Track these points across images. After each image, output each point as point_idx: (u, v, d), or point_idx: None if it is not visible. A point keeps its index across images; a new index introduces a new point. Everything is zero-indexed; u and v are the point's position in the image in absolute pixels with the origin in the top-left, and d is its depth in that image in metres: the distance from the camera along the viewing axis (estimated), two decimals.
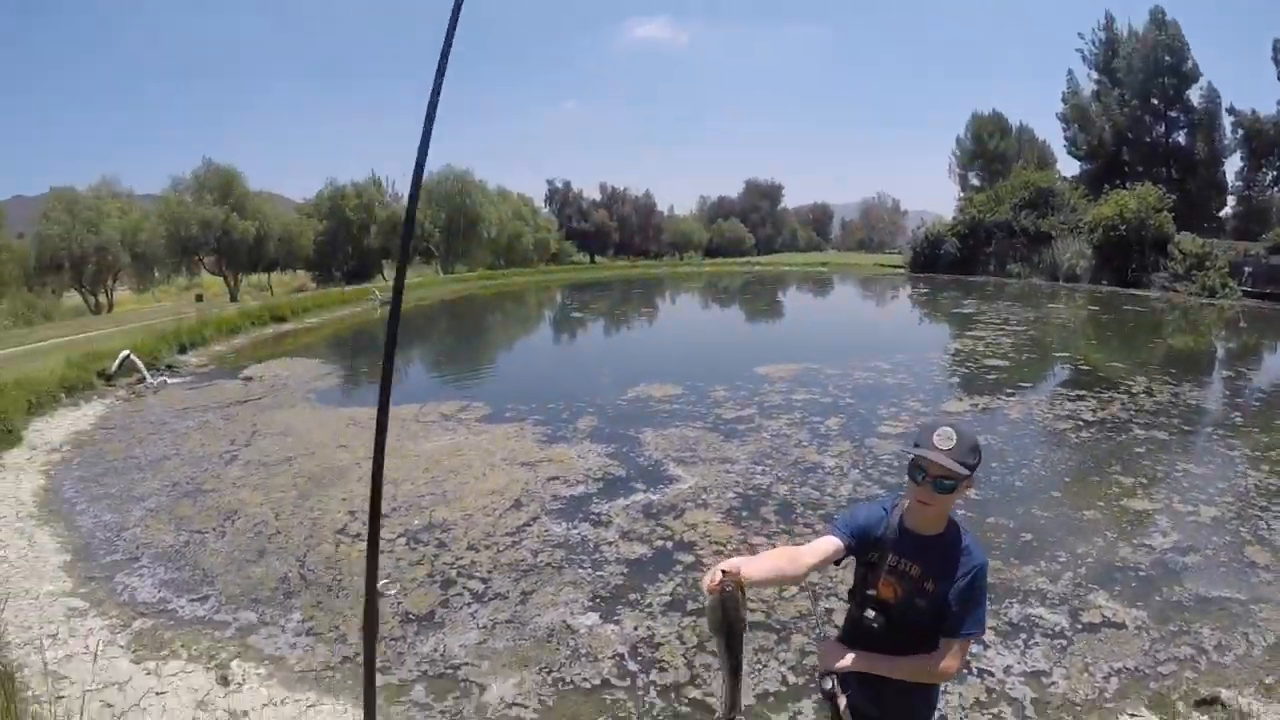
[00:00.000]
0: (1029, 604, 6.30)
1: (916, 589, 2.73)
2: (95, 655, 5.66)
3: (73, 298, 44.61)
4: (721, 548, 7.57)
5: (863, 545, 2.81)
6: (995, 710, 4.97)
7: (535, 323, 30.38)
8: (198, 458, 10.38)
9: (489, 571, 7.12)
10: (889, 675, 2.78)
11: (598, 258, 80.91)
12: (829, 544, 2.75)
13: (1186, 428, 11.65)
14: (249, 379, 15.61)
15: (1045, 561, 7.05)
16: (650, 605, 6.54)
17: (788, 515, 8.35)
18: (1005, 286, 34.23)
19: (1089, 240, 35.19)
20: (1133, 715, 5.14)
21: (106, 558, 7.47)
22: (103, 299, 43.27)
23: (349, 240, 54.42)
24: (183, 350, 18.36)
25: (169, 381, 15.39)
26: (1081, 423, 11.78)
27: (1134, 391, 13.51)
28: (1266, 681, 5.37)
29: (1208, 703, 5.13)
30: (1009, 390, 14.12)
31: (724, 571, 2.22)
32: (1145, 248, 32.15)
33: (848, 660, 2.82)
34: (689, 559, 7.38)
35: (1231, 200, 52.28)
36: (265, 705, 5.30)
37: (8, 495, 8.88)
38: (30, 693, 5.13)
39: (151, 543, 7.76)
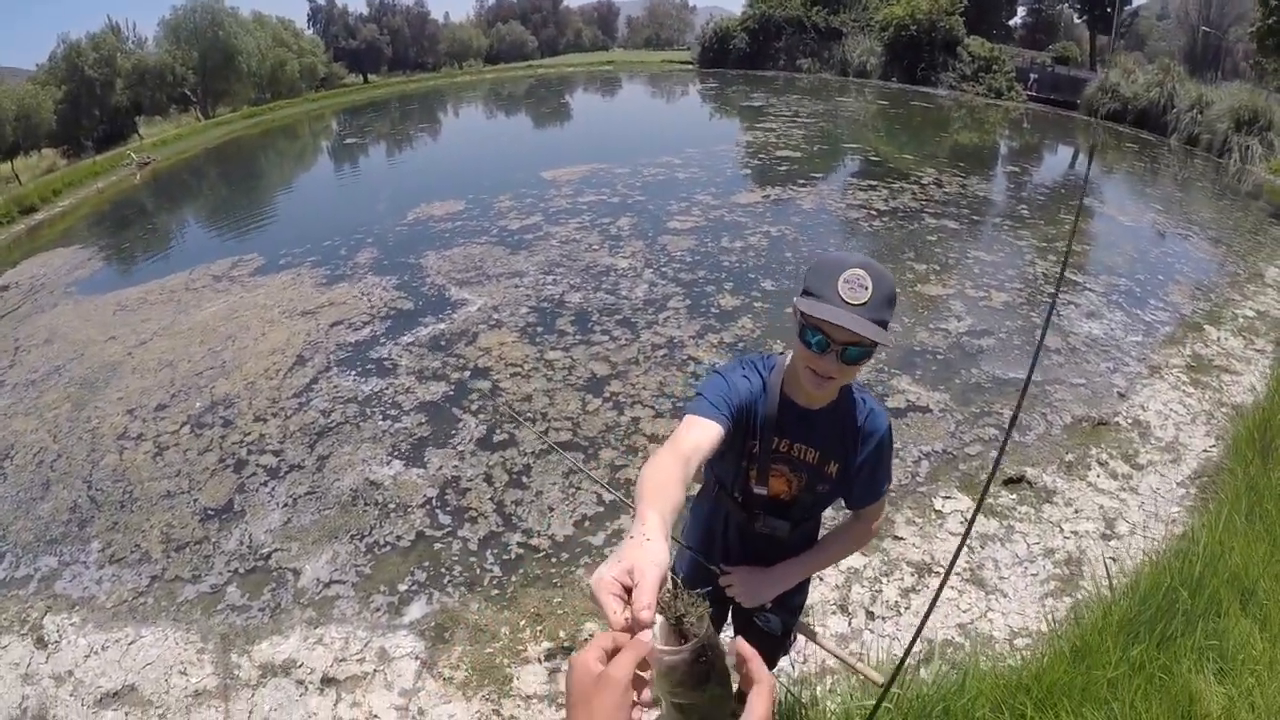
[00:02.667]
0: None
1: (817, 476, 2.08)
2: None
3: None
4: (518, 369, 7.14)
5: (739, 428, 1.96)
6: None
7: (309, 157, 27.45)
8: None
9: (281, 442, 6.46)
10: (814, 573, 2.32)
11: (371, 77, 72.43)
12: (710, 434, 1.80)
13: (975, 218, 11.66)
14: (4, 289, 13.40)
15: None
16: (455, 445, 6.15)
17: (584, 324, 7.97)
18: (795, 81, 33.18)
19: (880, 39, 34.13)
20: (946, 497, 5.19)
21: None
22: None
23: (94, 102, 46.37)
24: None
25: None
26: (874, 212, 11.63)
27: (924, 183, 13.39)
28: (1066, 459, 5.53)
29: (1014, 482, 5.26)
30: (801, 181, 13.75)
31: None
32: (935, 48, 31.41)
33: (770, 587, 2.23)
34: (486, 385, 6.95)
35: (1022, 11, 52.08)
36: (88, 656, 4.70)
37: None
38: None
39: None
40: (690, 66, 46.90)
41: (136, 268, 13.41)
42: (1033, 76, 29.67)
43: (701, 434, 1.80)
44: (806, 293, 1.77)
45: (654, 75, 44.63)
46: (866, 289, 1.69)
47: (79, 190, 23.98)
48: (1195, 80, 22.97)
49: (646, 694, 0.97)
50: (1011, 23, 51.85)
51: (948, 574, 2.03)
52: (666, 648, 0.95)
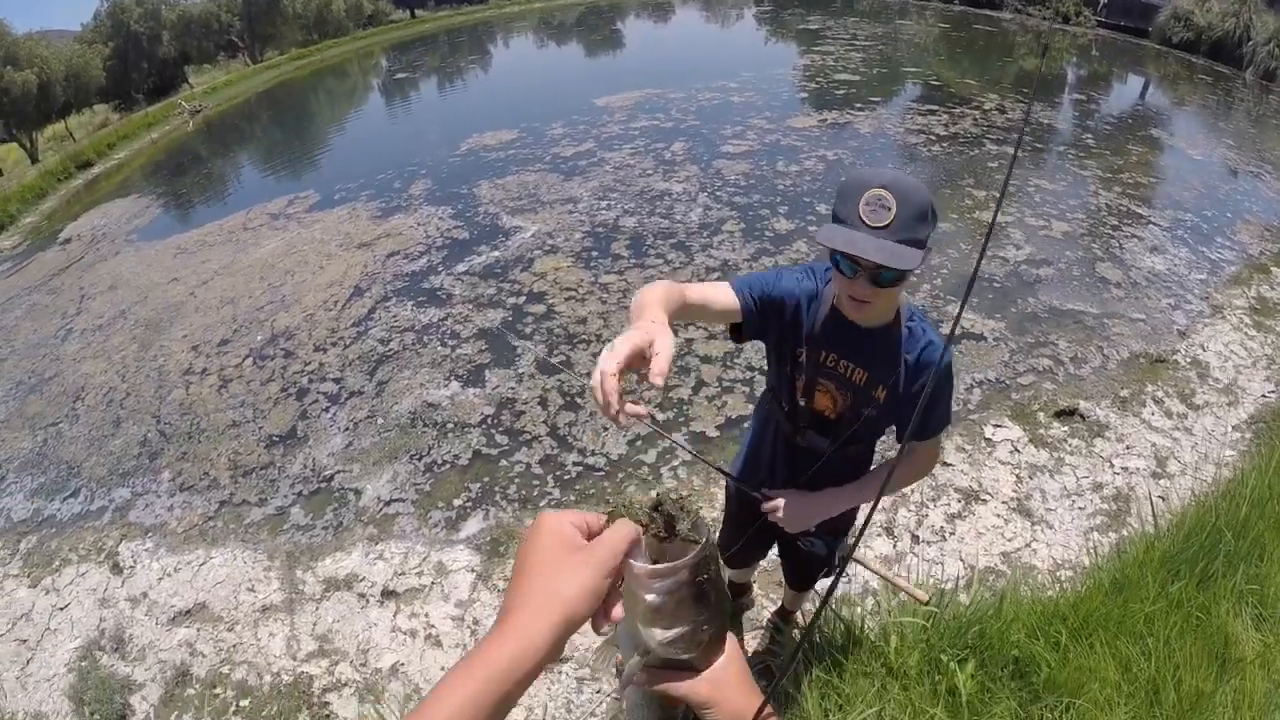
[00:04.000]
0: None
1: (864, 398, 2.03)
2: None
3: None
4: (573, 293, 7.28)
5: (774, 323, 1.99)
6: None
7: (360, 95, 27.82)
8: (33, 346, 9.45)
9: (341, 370, 6.78)
10: (860, 504, 2.26)
11: (418, 11, 72.85)
12: (721, 298, 1.87)
13: (1039, 145, 11.22)
14: (67, 241, 14.06)
15: None
16: (509, 367, 6.36)
17: (639, 248, 8.06)
18: (854, 3, 32.02)
19: None
20: (997, 426, 5.16)
21: None
22: None
23: (142, 56, 47.86)
24: None
25: None
26: (934, 137, 11.32)
27: (986, 109, 12.92)
28: (1121, 394, 5.42)
29: (1067, 414, 5.20)
30: (859, 105, 13.41)
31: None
32: None
33: (813, 515, 2.21)
34: (540, 309, 7.13)
35: None
36: (161, 579, 5.08)
37: None
38: None
39: (12, 456, 7.12)
40: None
41: (194, 212, 13.96)
42: (1102, 1, 28.15)
43: (714, 293, 1.85)
44: (834, 216, 1.75)
45: (706, 1, 43.76)
46: (889, 209, 1.65)
47: (133, 142, 24.84)
48: (1274, 12, 21.47)
49: (618, 610, 0.82)
50: None
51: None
52: (654, 567, 0.80)
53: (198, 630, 4.62)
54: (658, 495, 0.85)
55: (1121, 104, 15.70)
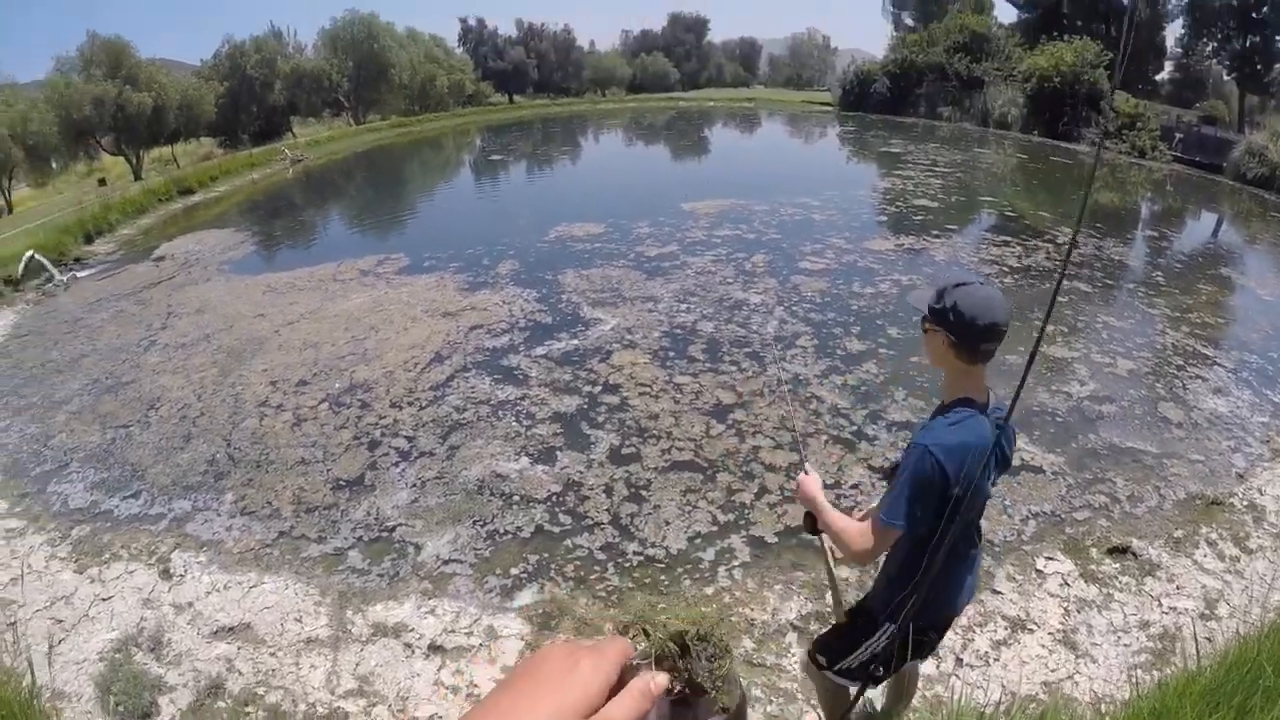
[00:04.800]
0: None
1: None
2: (39, 573, 5.59)
3: None
4: (647, 389, 7.58)
5: None
6: None
7: (453, 169, 29.26)
8: (115, 349, 9.99)
9: (414, 430, 7.11)
10: (826, 525, 2.62)
11: (516, 97, 76.97)
12: None
13: (1109, 282, 11.58)
14: (160, 259, 14.92)
15: None
16: (580, 451, 6.63)
17: (715, 353, 8.38)
18: (935, 129, 33.36)
19: (1022, 89, 34.13)
20: (1049, 558, 5.29)
21: (36, 470, 7.20)
22: (0, 201, 40.67)
23: (253, 99, 51.03)
24: (89, 240, 17.38)
25: (78, 275, 14.62)
26: (1006, 268, 11.71)
27: (1059, 242, 13.36)
28: (1175, 535, 5.52)
29: (1119, 551, 5.28)
30: (935, 232, 13.91)
31: None
32: (1078, 102, 31.10)
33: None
34: (615, 400, 7.43)
35: (1169, 66, 50.82)
36: (209, 593, 5.30)
37: None
38: None
39: (79, 446, 7.52)
40: (830, 108, 47.23)
41: (284, 255, 14.76)
42: (1178, 136, 28.54)
43: None
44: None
45: (793, 115, 45.27)
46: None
47: (234, 179, 26.26)
48: None
49: None
50: (1158, 78, 50.09)
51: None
52: None
53: (238, 648, 4.81)
54: (682, 629, 0.75)
55: (1193, 241, 15.92)
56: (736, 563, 5.22)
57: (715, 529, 5.55)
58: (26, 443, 7.73)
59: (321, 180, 25.99)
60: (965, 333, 2.32)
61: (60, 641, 4.93)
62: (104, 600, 5.31)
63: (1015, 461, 5.88)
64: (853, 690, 3.21)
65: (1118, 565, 5.20)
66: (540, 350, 8.60)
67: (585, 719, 0.63)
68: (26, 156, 40.31)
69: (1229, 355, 8.76)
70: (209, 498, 6.40)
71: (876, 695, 3.86)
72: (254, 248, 15.53)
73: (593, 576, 5.16)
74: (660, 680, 0.70)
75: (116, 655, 4.79)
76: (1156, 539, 5.46)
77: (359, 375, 8.28)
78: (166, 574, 5.52)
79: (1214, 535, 5.55)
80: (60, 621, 5.11)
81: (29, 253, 14.35)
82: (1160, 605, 4.83)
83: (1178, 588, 5.01)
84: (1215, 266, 12.80)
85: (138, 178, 37.51)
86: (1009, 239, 13.42)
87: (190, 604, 5.21)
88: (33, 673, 3.93)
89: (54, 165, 43.83)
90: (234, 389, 8.26)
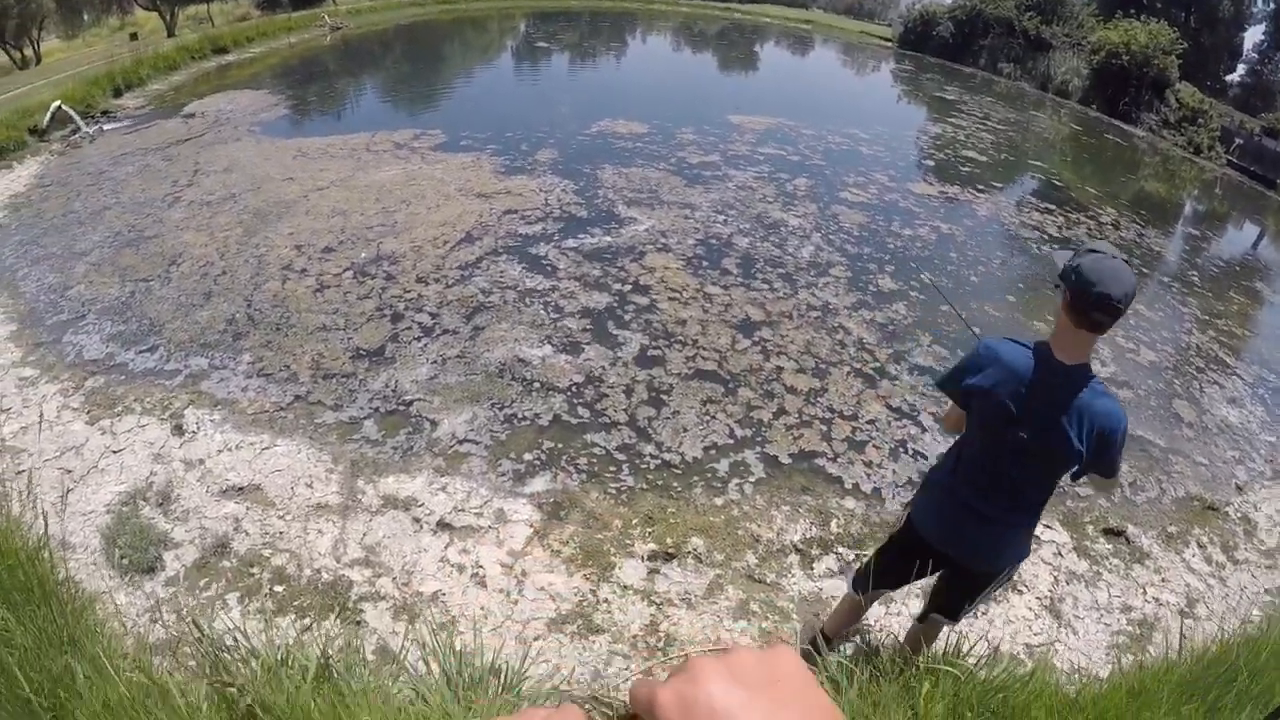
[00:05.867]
0: None
1: None
2: (50, 423, 5.66)
3: None
4: (677, 295, 7.50)
5: None
6: None
7: (495, 51, 28.54)
8: (139, 204, 9.95)
9: (439, 306, 7.10)
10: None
11: None
12: None
13: (1144, 270, 11.22)
14: (190, 116, 14.75)
15: None
16: (605, 346, 6.60)
17: (748, 269, 8.27)
18: (992, 84, 31.95)
19: (1088, 61, 32.65)
20: (1047, 526, 5.34)
21: (52, 319, 7.23)
22: (29, 52, 40.24)
23: None
24: (118, 94, 17.13)
25: (105, 128, 14.48)
26: (1045, 236, 11.39)
27: (1101, 220, 12.92)
28: (1169, 530, 5.61)
29: (1114, 533, 5.44)
30: (980, 186, 13.48)
31: None
32: (1143, 86, 29.77)
33: None
34: (644, 301, 7.37)
35: (1241, 69, 48.59)
36: (220, 451, 5.36)
37: None
38: None
39: (97, 298, 7.54)
40: (888, 44, 45.70)
41: (317, 122, 14.55)
42: (1238, 141, 27.57)
43: None
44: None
45: (849, 44, 43.86)
46: None
47: (270, 41, 25.83)
48: None
49: None
50: (1229, 78, 48.49)
51: None
52: None
53: (247, 509, 4.88)
54: None
55: (1233, 249, 15.54)
56: (749, 478, 5.23)
57: (731, 442, 5.57)
58: (44, 292, 7.77)
59: (359, 50, 25.54)
60: (1078, 295, 2.47)
61: (69, 492, 5.01)
62: (114, 453, 5.38)
63: None
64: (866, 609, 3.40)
65: (1110, 547, 5.33)
66: (572, 243, 8.50)
67: None
68: (58, 8, 39.94)
69: (1249, 369, 8.67)
70: (226, 357, 6.44)
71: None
72: (286, 111, 15.34)
73: (607, 473, 5.18)
74: None
75: (124, 508, 4.87)
76: (1151, 529, 5.59)
77: (386, 247, 8.23)
78: (179, 430, 5.58)
79: (1205, 539, 5.67)
80: (69, 472, 5.19)
81: (56, 103, 14.23)
82: (1145, 593, 4.97)
83: (1163, 580, 5.16)
84: (1251, 279, 12.49)
85: (171, 34, 37.05)
86: (1052, 207, 13.09)
87: (201, 461, 5.27)
88: (44, 522, 3.98)
89: (85, 18, 43.41)
90: (258, 250, 8.24)
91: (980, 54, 39.66)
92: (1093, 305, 2.45)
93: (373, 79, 20.32)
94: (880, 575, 3.31)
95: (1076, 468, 2.75)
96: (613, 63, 26.21)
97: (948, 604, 3.27)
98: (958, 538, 3.02)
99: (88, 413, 5.82)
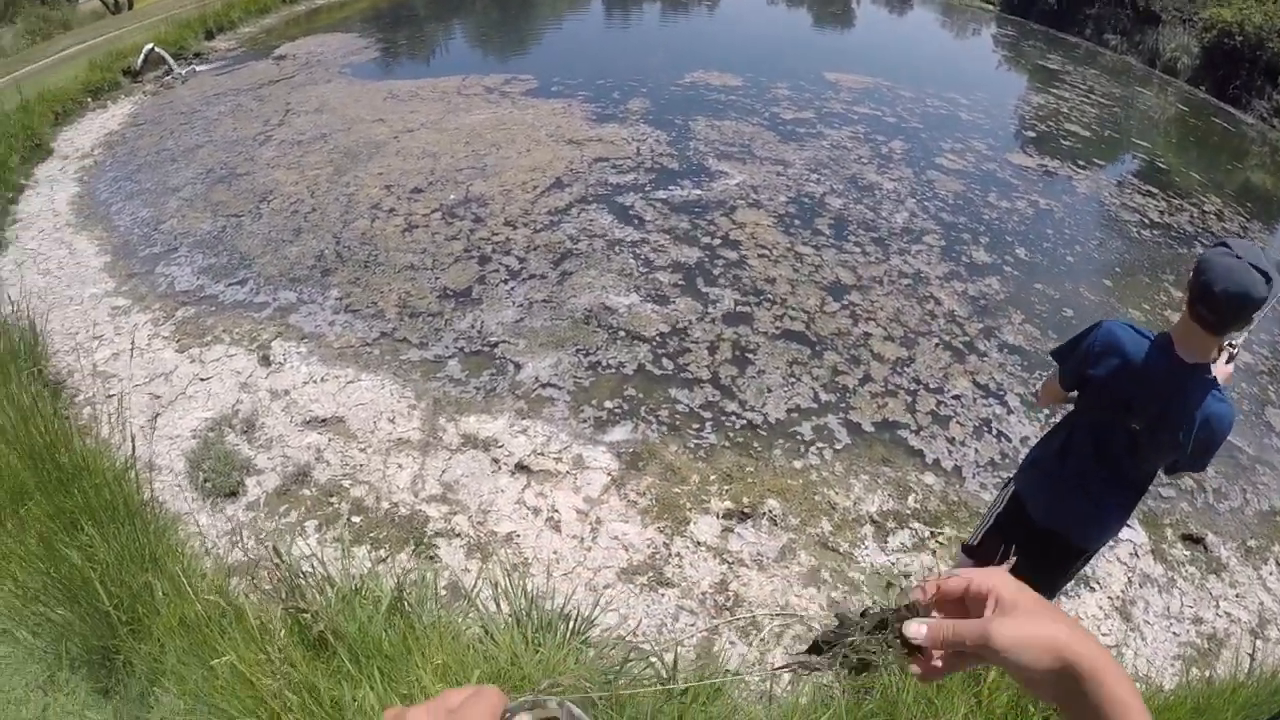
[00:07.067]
0: None
1: None
2: (141, 350, 5.93)
3: (90, 2, 42.94)
4: (767, 253, 7.43)
5: None
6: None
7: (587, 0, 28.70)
8: (230, 142, 10.27)
9: (526, 250, 7.18)
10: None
11: None
12: None
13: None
14: (281, 58, 15.10)
15: None
16: (693, 299, 6.59)
17: (840, 231, 8.10)
18: (1097, 56, 30.36)
19: (1199, 39, 30.98)
20: (1128, 525, 5.12)
21: (145, 251, 7.58)
22: None
23: None
24: (210, 36, 17.63)
25: (197, 69, 14.92)
26: (1146, 220, 10.85)
27: (1204, 209, 12.28)
28: (1249, 544, 5.30)
29: (1193, 540, 5.17)
30: (1081, 162, 12.91)
31: None
32: (1257, 69, 28.10)
33: None
34: (734, 256, 7.32)
35: None
36: (306, 383, 5.54)
37: (43, 209, 8.85)
38: (81, 396, 5.45)
39: (189, 232, 7.84)
40: (989, 7, 44.30)
41: (407, 65, 14.81)
42: None
43: None
44: None
45: (947, 5, 42.60)
46: None
47: None
48: None
49: None
50: None
51: None
52: None
53: (329, 440, 5.03)
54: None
55: None
56: (831, 444, 5.17)
57: (815, 406, 5.51)
58: (138, 226, 8.09)
59: None
60: (1191, 283, 2.50)
61: (157, 416, 5.24)
62: (202, 380, 5.61)
63: None
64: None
65: (1188, 553, 5.12)
66: (662, 194, 8.46)
67: None
68: None
69: None
70: (314, 291, 6.64)
71: None
72: (377, 54, 15.57)
73: (690, 428, 5.19)
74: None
75: (210, 434, 5.08)
76: (1231, 540, 5.31)
77: (475, 189, 8.34)
78: (266, 360, 5.78)
79: None
80: (158, 398, 5.44)
81: (149, 46, 14.69)
82: (1217, 607, 4.76)
83: (1238, 595, 4.94)
84: None
85: None
86: (1154, 190, 12.51)
87: (286, 392, 5.46)
88: (132, 445, 4.16)
89: None
90: (347, 189, 8.44)
91: (1086, 23, 38.04)
92: (1197, 296, 2.46)
93: (462, 24, 20.48)
94: (985, 557, 3.33)
95: (1175, 460, 2.77)
96: (705, 13, 25.96)
97: (1043, 587, 3.23)
98: (1066, 512, 3.05)
99: (177, 341, 6.07)
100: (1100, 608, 4.46)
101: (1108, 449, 2.86)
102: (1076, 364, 2.87)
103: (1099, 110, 17.77)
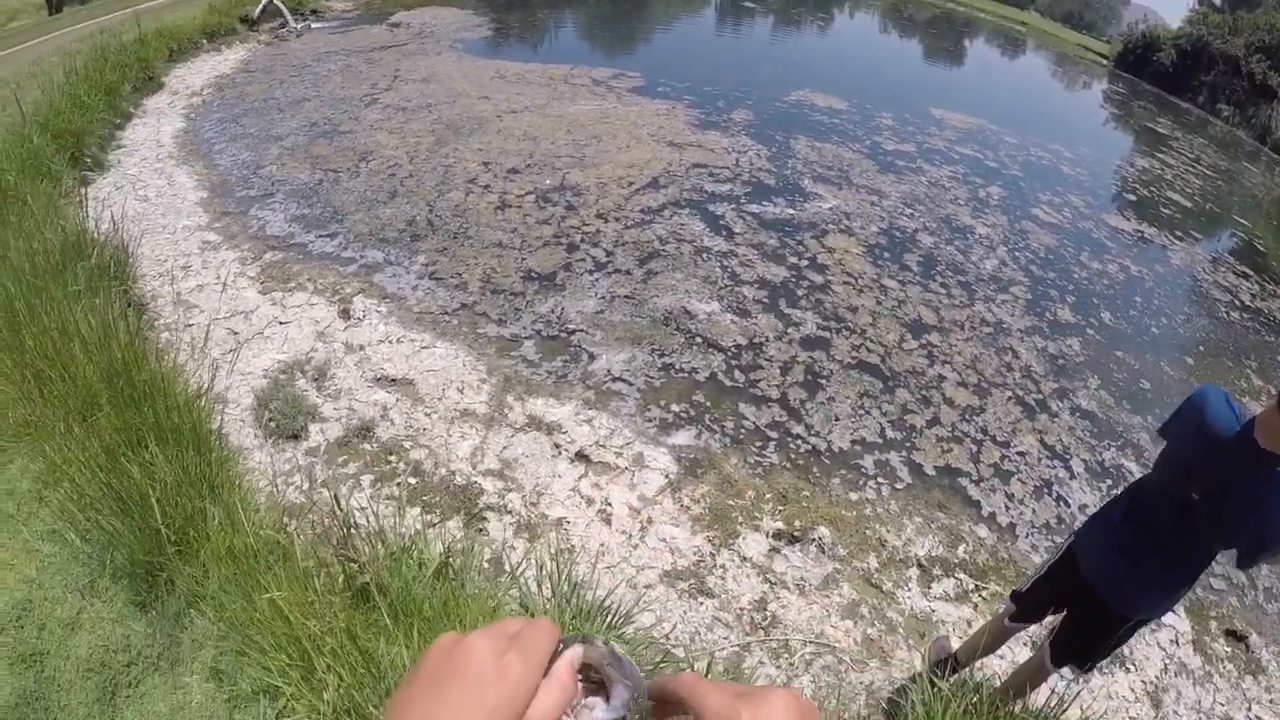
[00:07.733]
0: (1124, 454, 5.97)
1: None
2: (225, 285, 6.13)
3: None
4: (852, 281, 7.41)
5: None
6: None
7: (701, 4, 28.78)
8: (337, 100, 10.56)
9: (614, 245, 7.27)
10: None
11: None
12: None
13: None
14: (395, 25, 15.51)
15: (1153, 418, 6.51)
16: (772, 315, 6.62)
17: (928, 269, 8.07)
18: (1207, 125, 29.74)
19: None
20: (1173, 611, 5.01)
21: (242, 193, 7.83)
22: None
23: None
24: None
25: (313, 26, 15.42)
26: (1237, 302, 10.56)
27: None
28: None
29: (1236, 637, 5.03)
30: (1179, 233, 12.66)
31: None
32: None
33: None
34: (819, 279, 7.32)
35: None
36: (381, 341, 5.67)
37: (148, 139, 9.19)
38: (161, 321, 5.66)
39: (286, 180, 8.08)
40: (1103, 61, 43.32)
41: (516, 48, 15.14)
42: None
43: None
44: None
45: (1061, 55, 41.65)
46: None
47: None
48: None
49: None
50: None
51: None
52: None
53: (396, 400, 5.15)
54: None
55: None
56: (891, 482, 5.15)
57: (880, 441, 5.48)
58: (238, 168, 8.36)
59: None
60: None
61: (233, 351, 5.40)
62: (281, 324, 5.78)
63: None
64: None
65: (1228, 649, 4.97)
66: (755, 208, 8.51)
67: None
68: None
69: None
70: (401, 254, 6.80)
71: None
72: (489, 33, 15.90)
73: (754, 444, 5.20)
74: (578, 653, 0.67)
75: (281, 376, 5.23)
76: (1274, 644, 5.16)
77: (571, 178, 8.48)
78: (345, 314, 5.93)
79: None
80: (236, 334, 5.62)
81: None
82: (1249, 709, 4.63)
83: (1271, 701, 4.80)
84: None
85: None
86: (1249, 272, 12.13)
87: (361, 347, 5.59)
88: (210, 374, 4.31)
89: None
90: (446, 160, 8.63)
91: (1200, 90, 37.14)
92: None
93: (574, 14, 20.77)
94: (1031, 606, 3.34)
95: (1241, 546, 2.71)
96: (816, 33, 25.96)
97: (1078, 649, 3.24)
98: (1109, 571, 3.04)
99: (262, 283, 6.26)
100: (1132, 689, 4.39)
101: (1165, 518, 2.84)
102: (1172, 423, 2.89)
103: (1203, 181, 17.38)
